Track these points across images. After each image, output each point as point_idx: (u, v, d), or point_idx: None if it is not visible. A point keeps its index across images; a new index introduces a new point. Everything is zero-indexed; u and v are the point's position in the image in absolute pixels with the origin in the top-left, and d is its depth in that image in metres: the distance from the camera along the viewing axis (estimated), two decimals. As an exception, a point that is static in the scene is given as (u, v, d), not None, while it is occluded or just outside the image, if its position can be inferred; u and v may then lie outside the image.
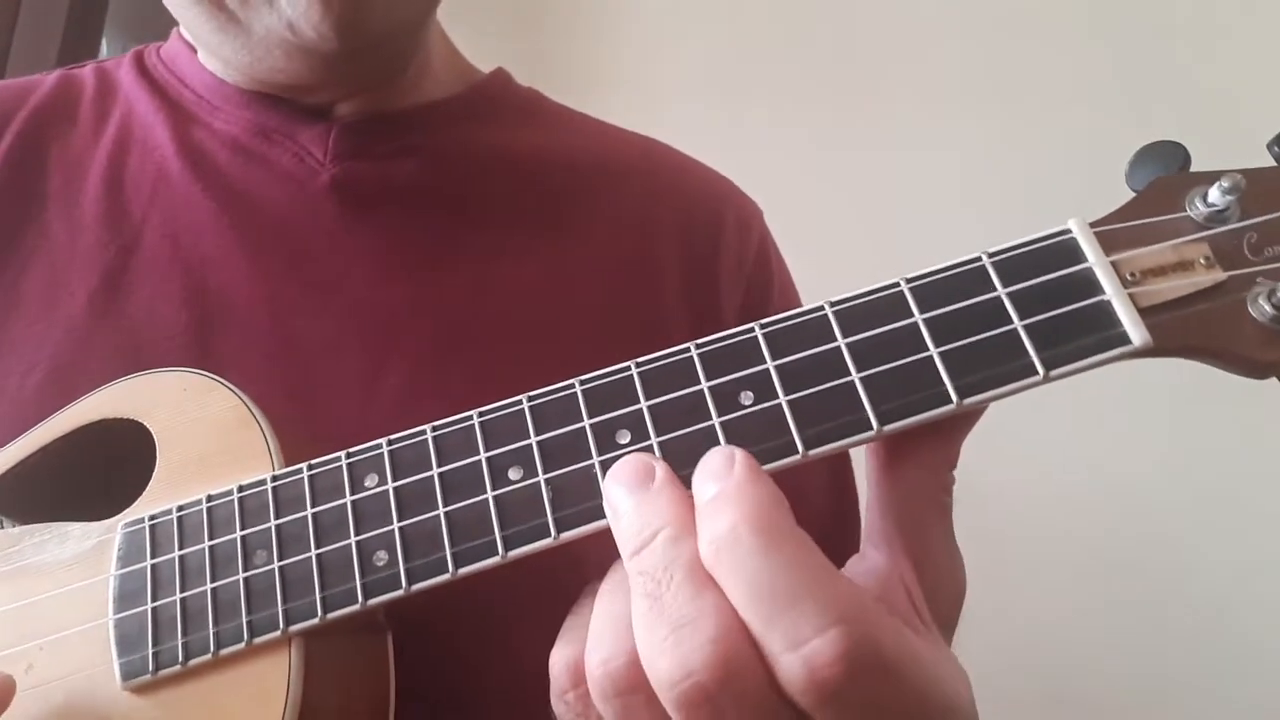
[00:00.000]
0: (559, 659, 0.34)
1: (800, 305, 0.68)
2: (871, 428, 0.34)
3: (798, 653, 0.28)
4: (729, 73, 1.67)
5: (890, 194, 1.51)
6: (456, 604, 0.44)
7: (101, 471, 0.44)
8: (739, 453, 0.32)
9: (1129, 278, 0.34)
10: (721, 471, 0.32)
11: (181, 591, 0.37)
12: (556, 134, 0.65)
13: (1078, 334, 0.34)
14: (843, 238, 1.38)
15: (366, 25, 0.50)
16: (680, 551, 0.31)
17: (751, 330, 0.36)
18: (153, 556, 0.38)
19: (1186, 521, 1.32)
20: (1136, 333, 0.33)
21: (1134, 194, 0.38)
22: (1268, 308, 0.33)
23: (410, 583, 0.35)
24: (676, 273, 0.60)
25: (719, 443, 0.34)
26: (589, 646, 0.32)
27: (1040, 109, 1.46)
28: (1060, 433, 1.32)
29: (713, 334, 0.59)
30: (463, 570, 0.35)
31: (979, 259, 0.35)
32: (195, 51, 0.61)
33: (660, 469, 0.33)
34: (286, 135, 0.57)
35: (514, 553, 0.35)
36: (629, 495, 0.33)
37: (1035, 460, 1.33)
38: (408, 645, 0.42)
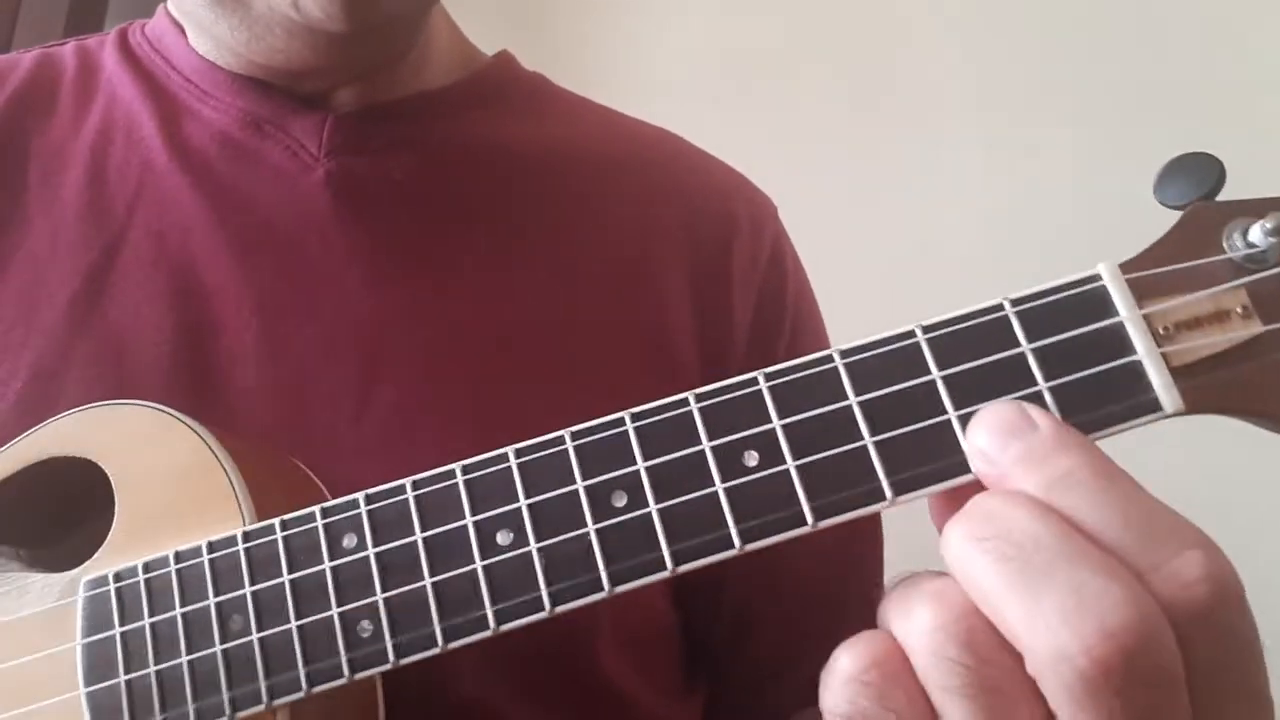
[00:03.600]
0: (845, 659, 0.30)
1: (817, 309, 0.65)
2: (885, 498, 0.32)
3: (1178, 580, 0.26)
4: (732, 64, 1.59)
5: (901, 194, 1.46)
6: None
7: (56, 508, 0.41)
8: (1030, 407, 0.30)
9: (1161, 332, 0.32)
10: (1021, 424, 0.30)
11: (156, 664, 0.35)
12: (561, 125, 0.61)
13: (1105, 399, 0.31)
14: (850, 235, 1.33)
15: (377, 5, 0.46)
16: (1042, 512, 0.28)
17: (756, 383, 0.33)
18: (121, 624, 0.36)
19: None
20: (1169, 398, 0.31)
21: (1162, 205, 0.36)
22: (1308, 365, 0.31)
23: (398, 657, 0.34)
24: (682, 275, 0.57)
25: (723, 511, 0.32)
26: (905, 620, 0.29)
27: (1052, 114, 1.39)
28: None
29: (721, 341, 0.57)
30: (452, 645, 0.34)
31: (1001, 308, 0.33)
32: (183, 31, 0.56)
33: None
34: (279, 127, 0.53)
35: (506, 626, 0.33)
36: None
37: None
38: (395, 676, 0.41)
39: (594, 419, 0.53)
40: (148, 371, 0.48)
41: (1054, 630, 0.26)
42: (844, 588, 0.59)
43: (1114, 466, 0.29)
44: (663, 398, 0.56)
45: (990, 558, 0.27)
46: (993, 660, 0.28)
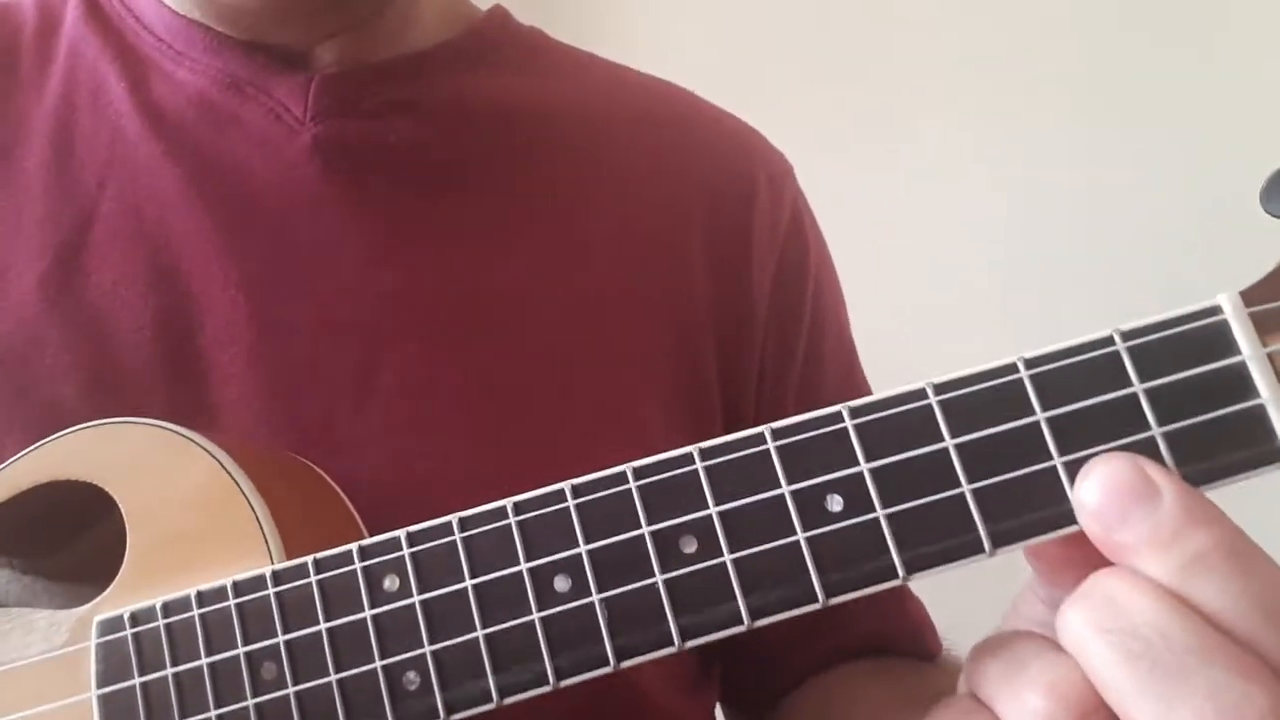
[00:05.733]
0: None
1: (836, 277, 0.62)
2: (984, 550, 0.29)
3: None
4: (727, 56, 1.55)
5: (911, 171, 1.43)
6: None
7: (57, 528, 0.38)
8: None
9: (1284, 371, 0.29)
10: (1142, 490, 0.27)
11: (181, 717, 0.32)
12: (566, 81, 0.56)
13: (1223, 446, 0.29)
14: (847, 232, 1.32)
15: None
16: (1171, 604, 0.25)
17: (840, 419, 0.31)
18: (141, 673, 0.33)
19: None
20: (1294, 448, 0.29)
21: (1273, 217, 0.33)
22: None
23: (449, 713, 0.31)
24: (701, 240, 0.53)
25: (804, 561, 0.30)
26: (1016, 704, 0.27)
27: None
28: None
29: (739, 313, 0.54)
30: (508, 700, 0.31)
31: (1111, 341, 0.30)
32: None
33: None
34: (260, 89, 0.49)
35: (566, 682, 0.31)
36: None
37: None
38: None
39: (612, 400, 0.50)
40: (128, 358, 0.45)
41: None
42: None
43: (1249, 544, 0.26)
44: (683, 376, 0.54)
45: (1116, 652, 0.25)
46: None
